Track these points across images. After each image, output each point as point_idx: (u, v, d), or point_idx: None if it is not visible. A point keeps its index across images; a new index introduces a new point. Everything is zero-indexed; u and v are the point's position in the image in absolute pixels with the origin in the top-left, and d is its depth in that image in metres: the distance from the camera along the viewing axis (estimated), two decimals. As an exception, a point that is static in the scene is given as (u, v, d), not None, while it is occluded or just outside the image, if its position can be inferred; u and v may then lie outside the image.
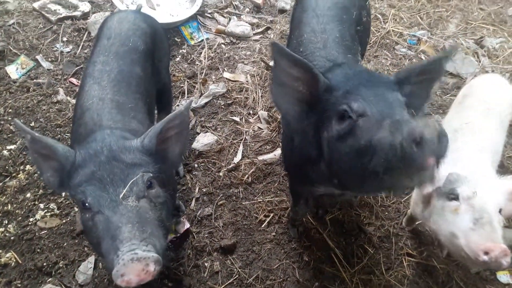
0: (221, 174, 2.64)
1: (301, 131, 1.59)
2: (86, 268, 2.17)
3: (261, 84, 3.12)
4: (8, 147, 2.58)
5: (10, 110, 2.75)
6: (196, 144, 2.74)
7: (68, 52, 3.14)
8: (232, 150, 2.77)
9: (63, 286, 2.11)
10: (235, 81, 3.13)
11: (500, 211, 1.59)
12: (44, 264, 2.17)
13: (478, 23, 3.81)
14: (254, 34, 3.49)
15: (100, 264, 2.21)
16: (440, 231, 1.68)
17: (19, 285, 2.11)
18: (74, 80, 2.97)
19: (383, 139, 1.17)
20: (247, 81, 3.14)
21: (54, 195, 2.42)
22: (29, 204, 2.38)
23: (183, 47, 3.33)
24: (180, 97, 3.02)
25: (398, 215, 2.54)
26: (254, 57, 3.31)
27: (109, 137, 1.50)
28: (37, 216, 2.33)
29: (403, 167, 1.13)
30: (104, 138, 1.48)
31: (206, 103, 2.99)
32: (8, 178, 2.46)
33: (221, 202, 2.53)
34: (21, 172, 2.48)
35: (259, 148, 2.78)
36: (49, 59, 3.07)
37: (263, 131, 2.86)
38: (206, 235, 2.39)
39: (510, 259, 1.46)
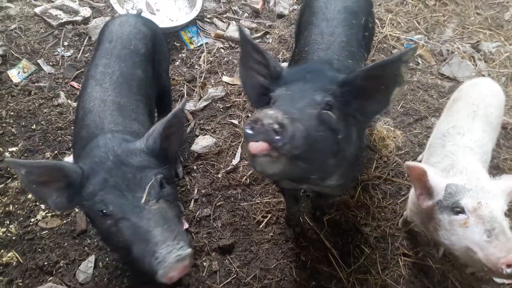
0: (219, 175, 2.68)
1: None
2: (87, 267, 2.20)
3: (259, 88, 3.16)
4: (10, 149, 2.62)
5: (12, 113, 2.79)
6: (195, 147, 2.78)
7: (69, 56, 3.18)
8: (231, 152, 2.80)
9: (63, 284, 2.15)
10: (234, 84, 3.18)
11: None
12: (45, 263, 2.21)
13: (475, 27, 3.85)
14: (253, 39, 3.53)
15: (100, 263, 2.25)
16: (454, 246, 1.65)
17: (21, 284, 2.14)
18: (75, 84, 3.02)
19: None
20: (245, 85, 3.18)
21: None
22: (30, 204, 2.42)
23: (183, 51, 3.38)
24: (179, 100, 3.07)
25: (394, 216, 2.58)
26: (252, 61, 3.35)
27: (111, 141, 1.52)
28: (38, 217, 2.37)
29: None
30: (107, 143, 1.51)
31: (205, 106, 3.03)
32: (10, 179, 2.50)
33: (219, 203, 2.57)
34: (22, 173, 2.52)
35: (257, 150, 2.81)
36: (50, 63, 3.12)
37: (261, 134, 2.89)
38: (204, 235, 2.42)
39: None
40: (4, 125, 2.73)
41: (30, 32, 3.27)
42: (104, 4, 3.57)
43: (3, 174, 2.51)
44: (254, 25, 3.64)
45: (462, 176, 1.75)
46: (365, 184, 2.69)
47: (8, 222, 2.34)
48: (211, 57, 3.35)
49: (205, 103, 3.03)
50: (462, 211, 1.60)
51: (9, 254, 2.22)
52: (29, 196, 2.44)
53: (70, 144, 2.60)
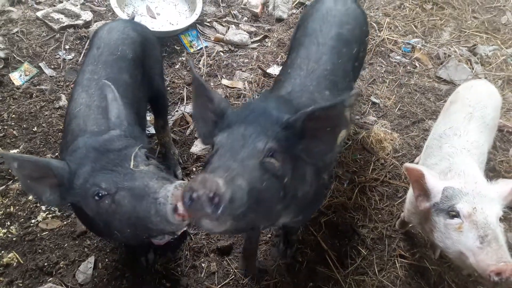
0: (218, 177, 2.70)
1: None
2: (86, 268, 2.23)
3: (258, 91, 3.19)
4: (12, 151, 2.64)
5: (14, 116, 2.82)
6: (194, 149, 2.81)
7: (70, 59, 3.22)
8: (230, 155, 2.82)
9: (63, 285, 2.17)
10: (233, 87, 3.21)
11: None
12: (45, 264, 2.23)
13: (472, 31, 3.89)
14: (252, 42, 3.57)
15: (100, 264, 2.28)
16: (448, 249, 1.69)
17: (21, 285, 2.16)
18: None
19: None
20: (244, 88, 3.21)
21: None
22: (31, 206, 2.44)
23: (183, 54, 3.41)
24: (179, 103, 3.10)
25: (391, 218, 2.60)
26: (251, 65, 3.39)
27: (89, 139, 1.55)
28: (39, 218, 2.40)
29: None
30: (86, 142, 1.53)
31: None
32: (11, 181, 2.53)
33: (218, 204, 2.58)
34: (23, 175, 2.55)
35: (256, 153, 2.84)
36: (52, 66, 3.16)
37: (259, 136, 2.92)
38: (203, 237, 2.44)
39: None
40: (5, 127, 2.77)
41: (32, 35, 3.31)
42: (105, 8, 3.61)
43: (4, 176, 2.54)
44: (253, 29, 3.67)
45: (459, 179, 1.77)
46: (362, 186, 2.72)
47: (9, 223, 2.37)
48: (210, 60, 3.39)
49: (204, 106, 3.06)
50: (457, 215, 1.63)
51: (9, 255, 2.24)
52: (30, 197, 2.47)
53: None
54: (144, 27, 2.44)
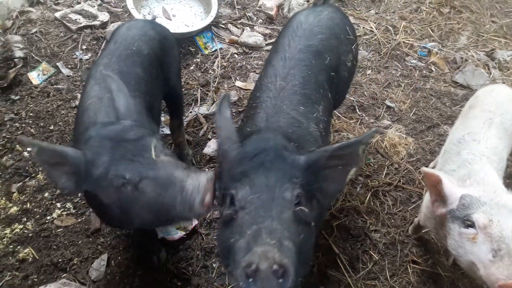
0: (231, 178, 2.71)
1: None
2: (99, 265, 2.26)
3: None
4: (29, 149, 2.69)
5: (31, 114, 2.87)
6: (207, 150, 2.83)
7: (87, 59, 3.27)
8: (242, 156, 2.83)
9: (77, 281, 2.20)
10: (246, 89, 3.22)
11: None
12: (60, 260, 2.26)
13: (490, 35, 3.84)
14: (267, 45, 3.58)
15: (113, 262, 2.30)
16: (460, 257, 1.67)
17: (36, 280, 2.20)
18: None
19: (240, 259, 1.13)
20: (258, 90, 3.22)
21: (70, 195, 2.52)
22: (47, 203, 2.48)
23: (197, 56, 3.44)
24: (193, 104, 3.12)
25: (404, 223, 2.58)
26: (266, 67, 3.39)
27: (101, 129, 1.57)
28: (54, 215, 2.44)
29: None
30: (99, 132, 1.55)
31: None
32: (28, 178, 2.58)
33: (230, 206, 2.59)
34: (40, 172, 2.59)
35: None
36: (69, 66, 3.21)
37: (273, 138, 2.93)
38: (215, 237, 2.45)
39: None
40: (23, 125, 2.82)
41: (50, 35, 3.37)
42: (121, 10, 3.66)
43: (21, 173, 2.58)
44: (268, 31, 3.68)
45: (478, 187, 1.74)
46: (375, 190, 2.70)
47: (25, 219, 2.41)
48: (225, 62, 3.40)
49: (218, 107, 3.07)
50: (472, 225, 1.60)
51: (25, 250, 2.28)
52: (46, 194, 2.51)
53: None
54: (164, 28, 2.47)
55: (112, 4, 3.72)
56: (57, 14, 3.47)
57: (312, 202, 1.38)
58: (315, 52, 1.98)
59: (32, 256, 2.28)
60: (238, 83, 3.27)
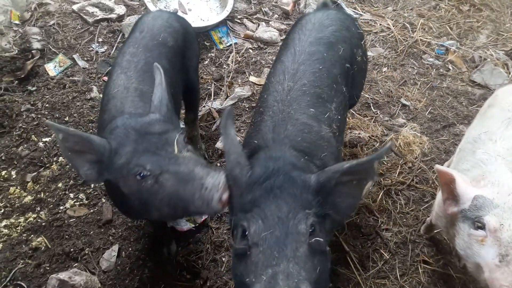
0: (242, 173, 2.71)
1: None
2: (110, 256, 2.28)
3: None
4: (44, 139, 2.74)
5: (47, 105, 2.91)
6: (219, 144, 2.83)
7: (103, 52, 3.30)
8: (254, 151, 2.83)
9: (87, 271, 2.23)
10: (260, 85, 3.21)
11: None
12: (71, 249, 2.30)
13: (510, 34, 3.76)
14: (281, 40, 3.56)
15: (123, 253, 2.33)
16: (466, 258, 1.65)
17: (48, 268, 2.23)
18: (107, 79, 3.12)
19: None
20: (272, 85, 3.21)
21: (84, 186, 2.55)
22: (60, 193, 2.52)
23: (212, 50, 3.44)
24: (206, 99, 3.13)
25: (416, 222, 2.55)
26: (280, 62, 3.37)
27: (128, 120, 1.59)
28: (67, 205, 2.47)
29: None
30: (125, 122, 1.58)
31: (231, 105, 3.07)
32: (42, 168, 2.62)
33: (241, 200, 2.60)
34: (54, 163, 2.63)
35: (281, 150, 2.83)
36: (85, 58, 3.24)
37: (285, 134, 2.92)
38: (225, 231, 2.46)
39: None
40: (39, 116, 2.86)
41: (67, 28, 3.41)
42: (138, 3, 3.68)
43: (36, 163, 2.62)
44: (283, 26, 3.66)
45: (493, 188, 1.70)
46: (388, 189, 2.67)
47: (39, 209, 2.45)
48: (239, 57, 3.40)
49: (231, 102, 3.08)
50: (483, 227, 1.57)
51: (38, 239, 2.32)
52: (60, 185, 2.54)
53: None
54: (186, 21, 2.49)
55: (129, -2, 3.75)
56: (75, 7, 3.51)
57: (325, 223, 1.34)
58: (327, 43, 1.91)
59: (44, 245, 2.31)
60: (252, 78, 3.26)
